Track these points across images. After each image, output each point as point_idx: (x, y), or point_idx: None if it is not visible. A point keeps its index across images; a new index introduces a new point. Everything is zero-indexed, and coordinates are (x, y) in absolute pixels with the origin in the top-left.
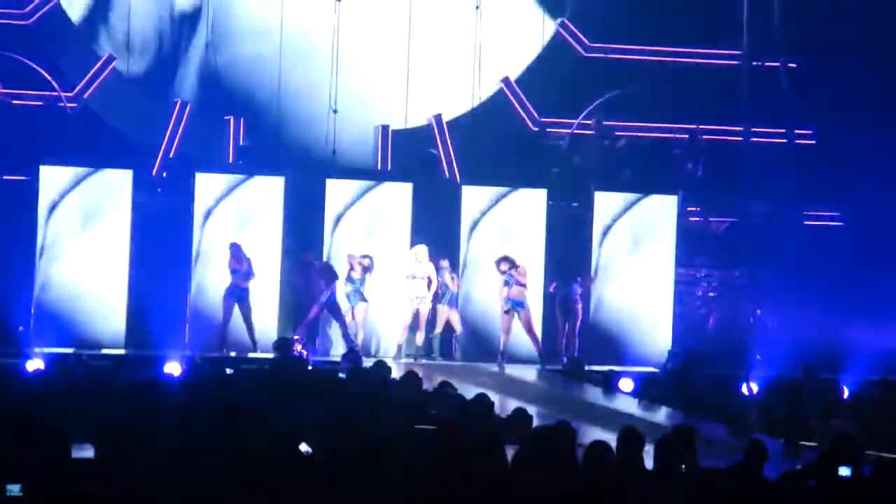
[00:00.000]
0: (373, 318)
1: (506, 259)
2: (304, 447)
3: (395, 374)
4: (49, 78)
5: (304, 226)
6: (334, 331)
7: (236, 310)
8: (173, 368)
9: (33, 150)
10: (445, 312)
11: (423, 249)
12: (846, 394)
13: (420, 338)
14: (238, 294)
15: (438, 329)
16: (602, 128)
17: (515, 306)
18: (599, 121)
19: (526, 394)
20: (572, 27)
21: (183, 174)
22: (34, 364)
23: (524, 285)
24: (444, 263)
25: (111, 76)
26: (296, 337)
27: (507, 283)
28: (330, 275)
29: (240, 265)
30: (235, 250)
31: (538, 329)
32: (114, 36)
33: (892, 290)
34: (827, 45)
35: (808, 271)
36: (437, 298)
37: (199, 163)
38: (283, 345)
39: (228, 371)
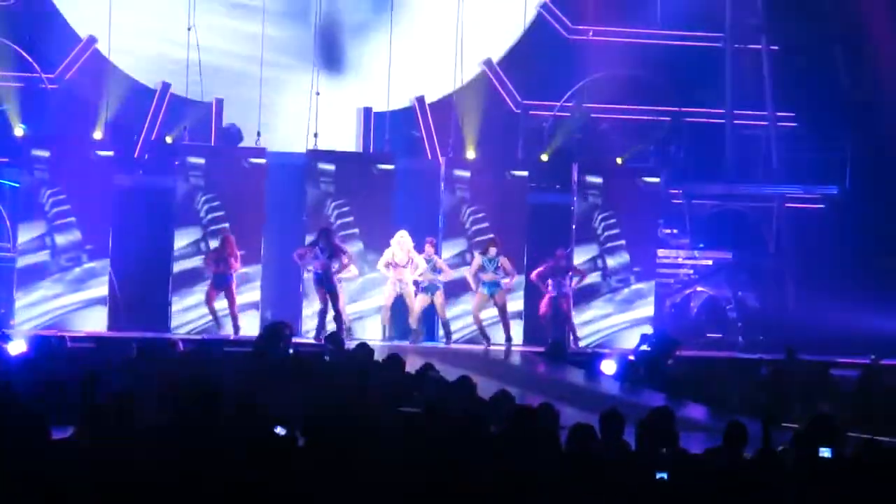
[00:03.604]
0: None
1: (496, 244)
2: (279, 430)
3: (378, 356)
4: (30, 59)
5: (286, 208)
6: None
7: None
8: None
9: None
10: (428, 300)
11: (405, 235)
12: (831, 376)
13: (413, 321)
14: (229, 280)
15: (442, 315)
16: (582, 110)
17: (492, 288)
18: (580, 104)
19: (508, 376)
20: (555, 9)
21: (165, 156)
22: (17, 346)
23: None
24: (430, 249)
25: (93, 57)
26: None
27: (485, 268)
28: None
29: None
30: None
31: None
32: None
33: (875, 271)
34: (807, 27)
35: (790, 253)
36: (421, 287)
37: (180, 144)
38: (273, 329)
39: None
